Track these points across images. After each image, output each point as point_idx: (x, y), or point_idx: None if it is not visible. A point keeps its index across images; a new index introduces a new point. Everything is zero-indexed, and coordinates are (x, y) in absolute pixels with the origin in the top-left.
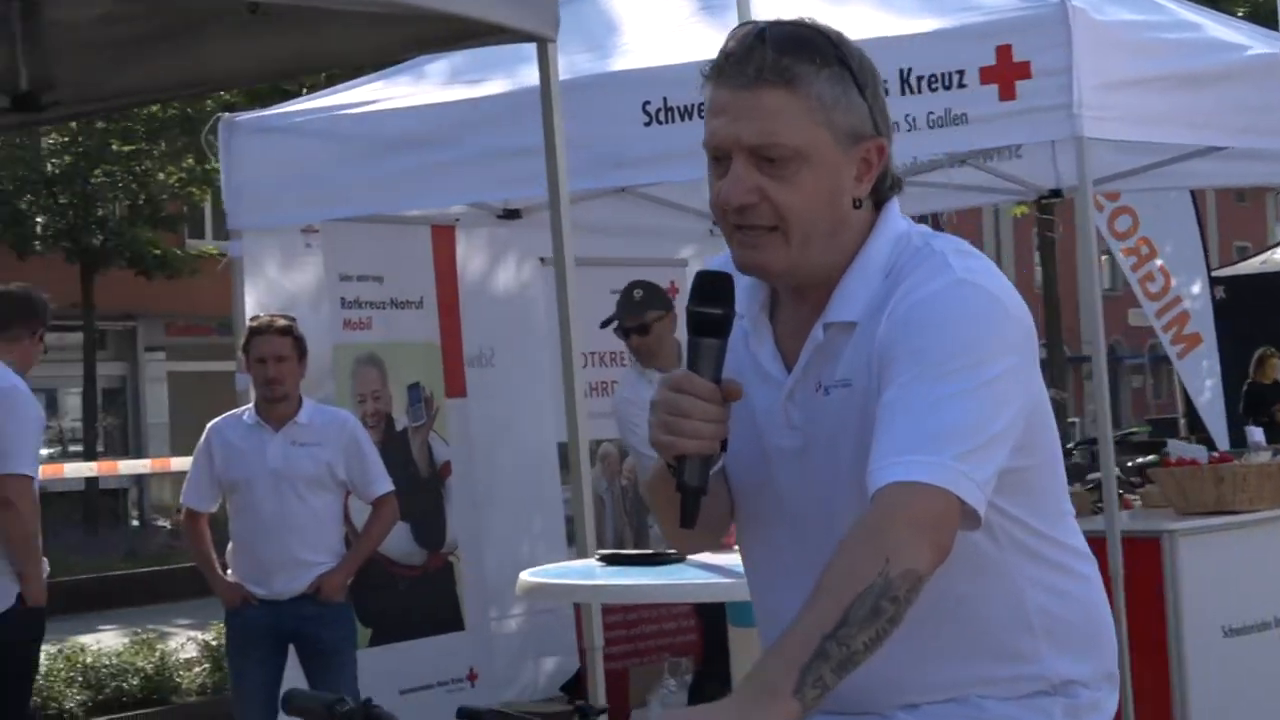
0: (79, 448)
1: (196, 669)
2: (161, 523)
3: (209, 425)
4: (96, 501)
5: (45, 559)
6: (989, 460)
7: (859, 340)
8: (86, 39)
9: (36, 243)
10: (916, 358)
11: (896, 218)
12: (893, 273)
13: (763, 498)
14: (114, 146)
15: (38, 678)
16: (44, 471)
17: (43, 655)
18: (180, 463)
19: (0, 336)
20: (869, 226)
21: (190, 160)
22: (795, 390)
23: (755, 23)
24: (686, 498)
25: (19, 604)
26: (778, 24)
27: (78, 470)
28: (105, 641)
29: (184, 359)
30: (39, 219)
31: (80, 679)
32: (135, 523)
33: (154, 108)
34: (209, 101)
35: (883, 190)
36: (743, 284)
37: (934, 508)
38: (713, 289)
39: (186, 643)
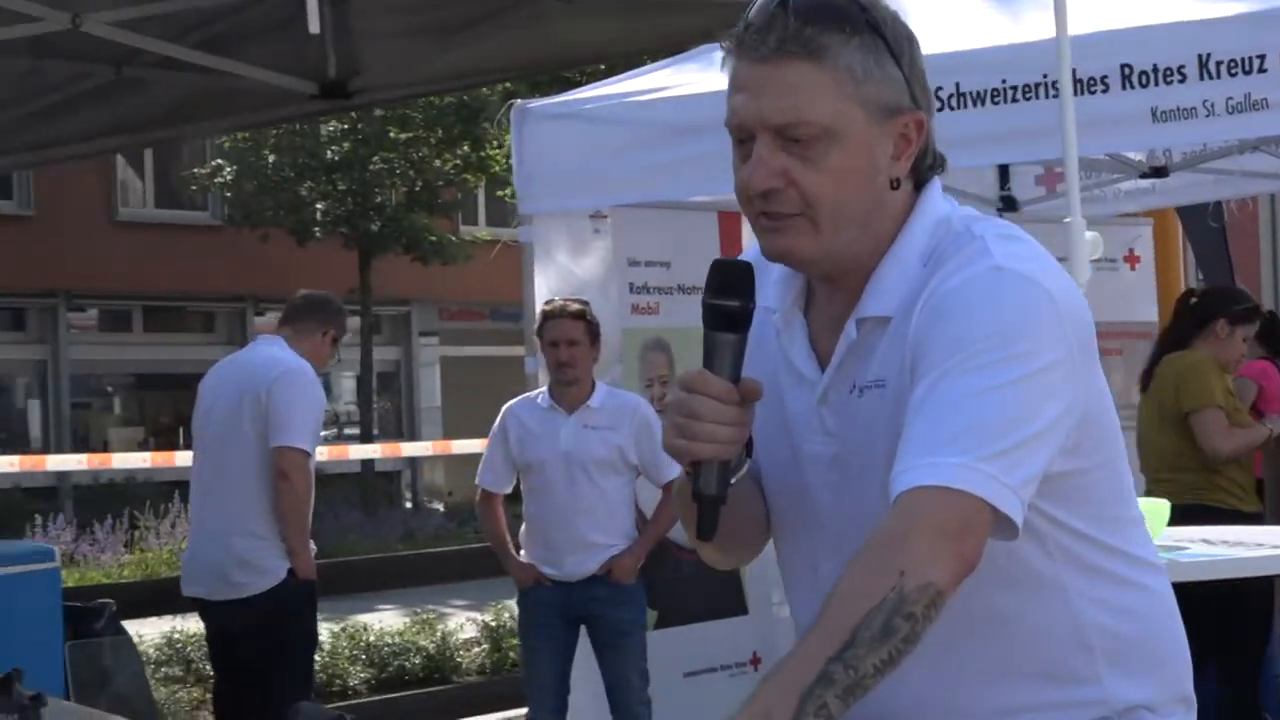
0: (355, 430)
1: (476, 649)
2: (435, 505)
3: (505, 407)
4: (373, 484)
5: (313, 539)
6: (1027, 462)
7: (894, 336)
8: (392, 28)
9: (316, 229)
10: (948, 351)
11: (938, 200)
12: (932, 260)
13: (797, 508)
14: (392, 134)
15: (322, 655)
16: (328, 453)
17: (326, 634)
18: (459, 445)
19: (294, 329)
20: (908, 210)
21: (465, 147)
22: (829, 392)
23: None
24: (703, 507)
25: (290, 578)
26: None
27: (361, 452)
28: (385, 621)
29: (457, 344)
30: (319, 205)
31: (363, 657)
32: (409, 505)
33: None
34: (483, 89)
35: (923, 169)
36: (774, 276)
37: (957, 515)
38: (730, 279)
39: (465, 623)
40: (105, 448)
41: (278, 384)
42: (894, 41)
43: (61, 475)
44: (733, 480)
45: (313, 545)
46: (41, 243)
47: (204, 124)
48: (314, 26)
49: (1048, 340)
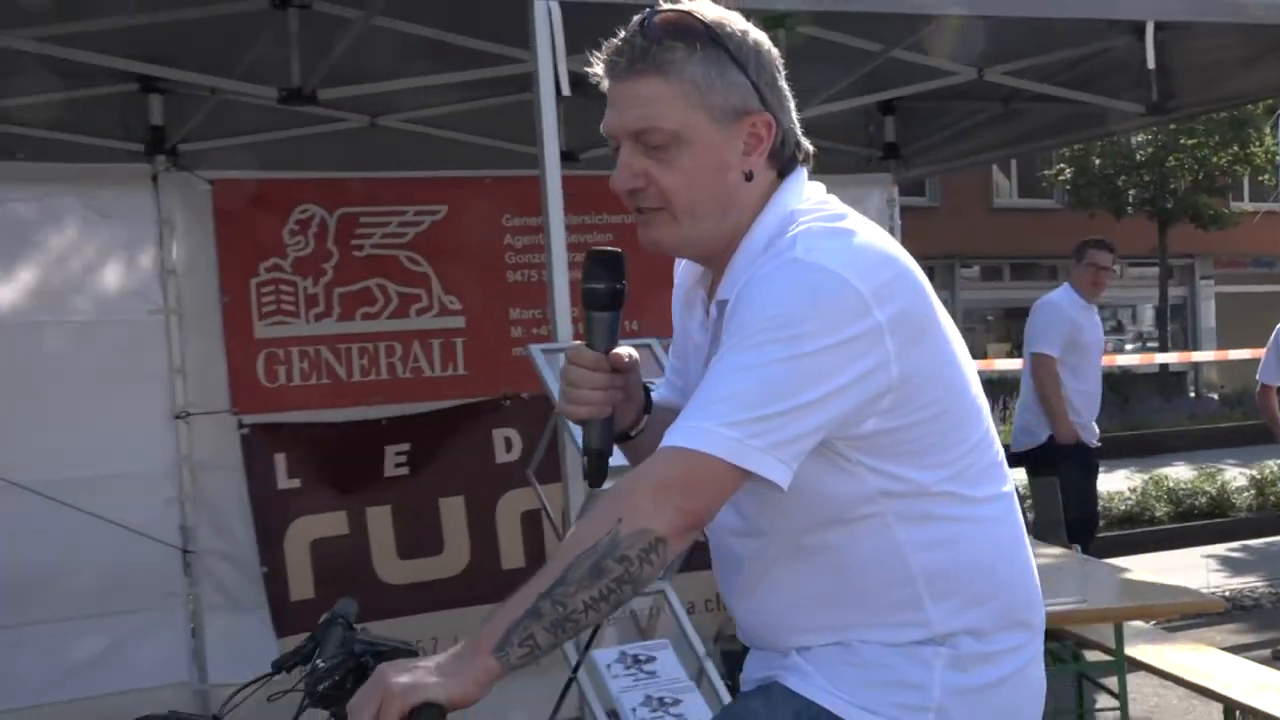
0: (1155, 344)
1: (1245, 494)
2: (1211, 395)
3: (1277, 327)
4: (1168, 380)
5: (1125, 419)
6: (787, 428)
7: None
8: (1202, 59)
9: (1129, 208)
10: (734, 332)
11: (794, 191)
12: (770, 250)
13: None
14: (1182, 141)
15: (1135, 495)
16: (1139, 359)
17: (1138, 480)
18: (1234, 354)
19: (1076, 267)
20: (766, 198)
21: (1235, 148)
22: (709, 359)
23: (645, 12)
24: (590, 459)
25: (1049, 440)
26: (657, 12)
27: (1161, 359)
28: (1179, 474)
29: (1226, 284)
30: (1130, 191)
31: (1165, 496)
32: (1192, 394)
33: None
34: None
35: (783, 160)
36: (685, 260)
37: (684, 471)
38: (602, 266)
39: (1237, 475)
40: (984, 356)
41: (1034, 310)
42: (737, 52)
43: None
44: (632, 434)
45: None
46: (942, 223)
47: (1060, 138)
48: (1150, 63)
49: (830, 324)
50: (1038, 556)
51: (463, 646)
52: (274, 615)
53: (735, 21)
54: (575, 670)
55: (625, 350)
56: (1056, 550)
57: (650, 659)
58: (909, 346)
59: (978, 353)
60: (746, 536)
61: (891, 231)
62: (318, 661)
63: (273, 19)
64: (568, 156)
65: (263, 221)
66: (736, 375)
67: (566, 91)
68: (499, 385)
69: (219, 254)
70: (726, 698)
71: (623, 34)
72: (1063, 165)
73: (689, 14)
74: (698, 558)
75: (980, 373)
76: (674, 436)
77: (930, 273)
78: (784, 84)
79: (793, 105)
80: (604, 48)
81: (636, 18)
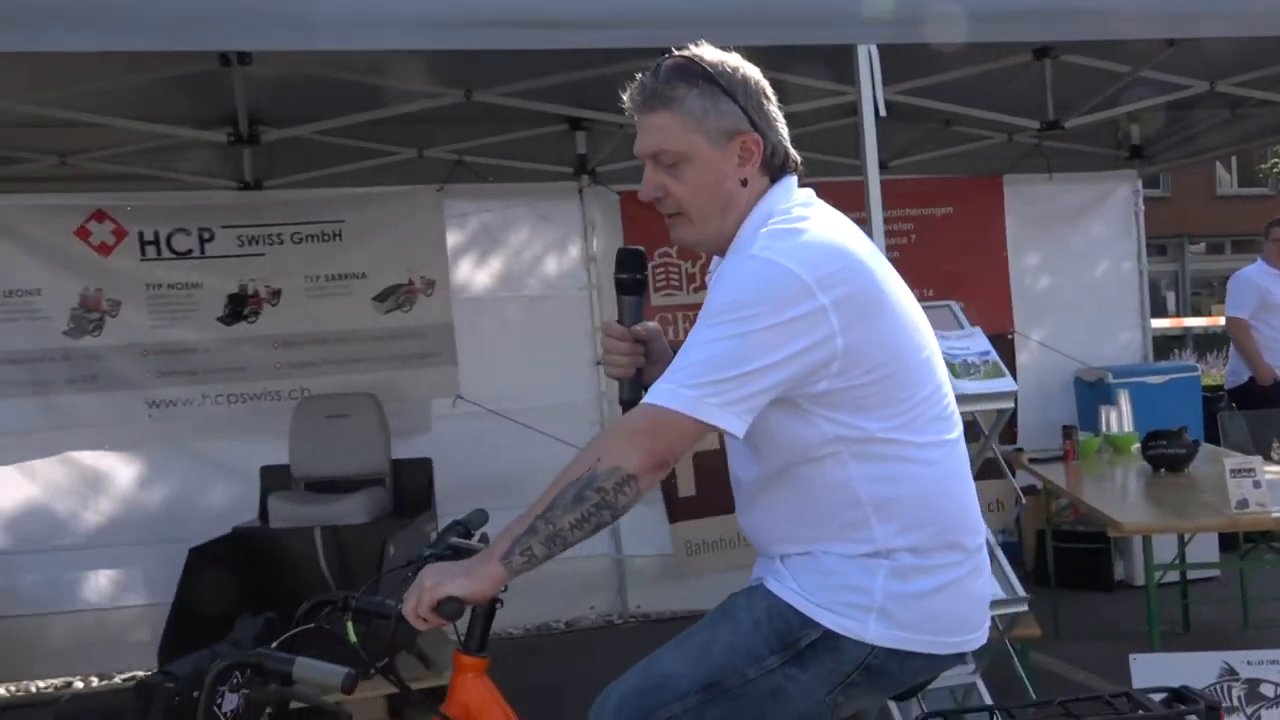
0: None
1: None
2: None
3: None
4: None
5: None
6: (741, 388)
7: None
8: None
9: None
10: (702, 315)
11: (779, 195)
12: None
13: None
14: None
15: None
16: None
17: None
18: None
19: (1265, 242)
20: (759, 201)
21: None
22: None
23: (663, 59)
24: (623, 408)
25: (1250, 381)
26: (668, 58)
27: None
28: None
29: None
30: None
31: None
32: None
33: None
34: None
35: (774, 168)
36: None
37: (650, 421)
38: (629, 261)
39: None
40: (1209, 315)
41: (1229, 282)
42: (729, 85)
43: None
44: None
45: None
46: (1173, 209)
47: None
48: None
49: (775, 306)
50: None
51: (483, 553)
52: (667, 506)
53: (730, 61)
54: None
55: (644, 326)
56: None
57: None
58: (855, 322)
59: (1202, 312)
60: (748, 467)
61: (1134, 216)
62: (424, 551)
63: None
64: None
65: (656, 221)
66: (699, 348)
67: (883, 113)
68: None
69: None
70: (1015, 581)
71: (640, 77)
72: (1276, 159)
73: (690, 59)
74: None
75: (1204, 328)
76: (649, 395)
77: (1163, 250)
78: (772, 108)
79: (782, 125)
80: (630, 88)
81: (654, 65)
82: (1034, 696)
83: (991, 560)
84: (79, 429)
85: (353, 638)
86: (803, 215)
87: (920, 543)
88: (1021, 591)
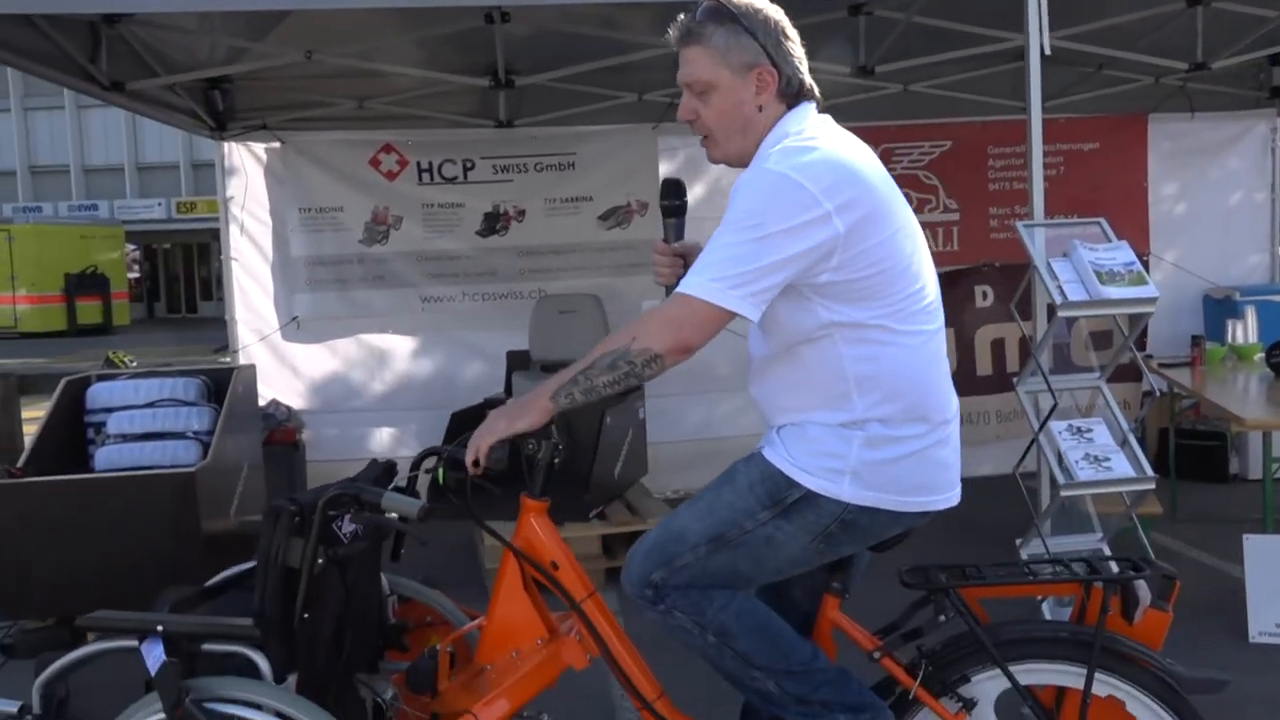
0: None
1: None
2: None
3: None
4: None
5: None
6: (753, 282)
7: None
8: None
9: None
10: (722, 223)
11: (793, 120)
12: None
13: None
14: None
15: None
16: None
17: None
18: None
19: None
20: (775, 125)
21: None
22: None
23: (696, 4)
24: None
25: None
26: (702, 2)
27: None
28: None
29: None
30: None
31: None
32: None
33: None
34: None
35: (790, 96)
36: None
37: (680, 309)
38: (671, 190)
39: None
40: None
41: None
42: (750, 25)
43: None
44: None
45: None
46: None
47: None
48: None
49: (785, 213)
50: None
51: (535, 392)
52: None
53: (755, 3)
54: (1036, 434)
55: (683, 243)
56: None
57: (1089, 430)
58: (855, 226)
59: None
60: (759, 347)
61: (1270, 152)
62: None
63: (848, 25)
64: None
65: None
66: (721, 249)
67: (1048, 52)
68: (980, 257)
69: None
70: (1145, 464)
71: (681, 17)
72: None
73: (721, 2)
74: None
75: None
76: (679, 287)
77: None
78: (790, 45)
79: (800, 59)
80: (671, 26)
81: (694, 6)
82: None
83: (1124, 445)
84: (369, 317)
85: (441, 481)
86: (813, 136)
87: (891, 414)
88: (1150, 471)
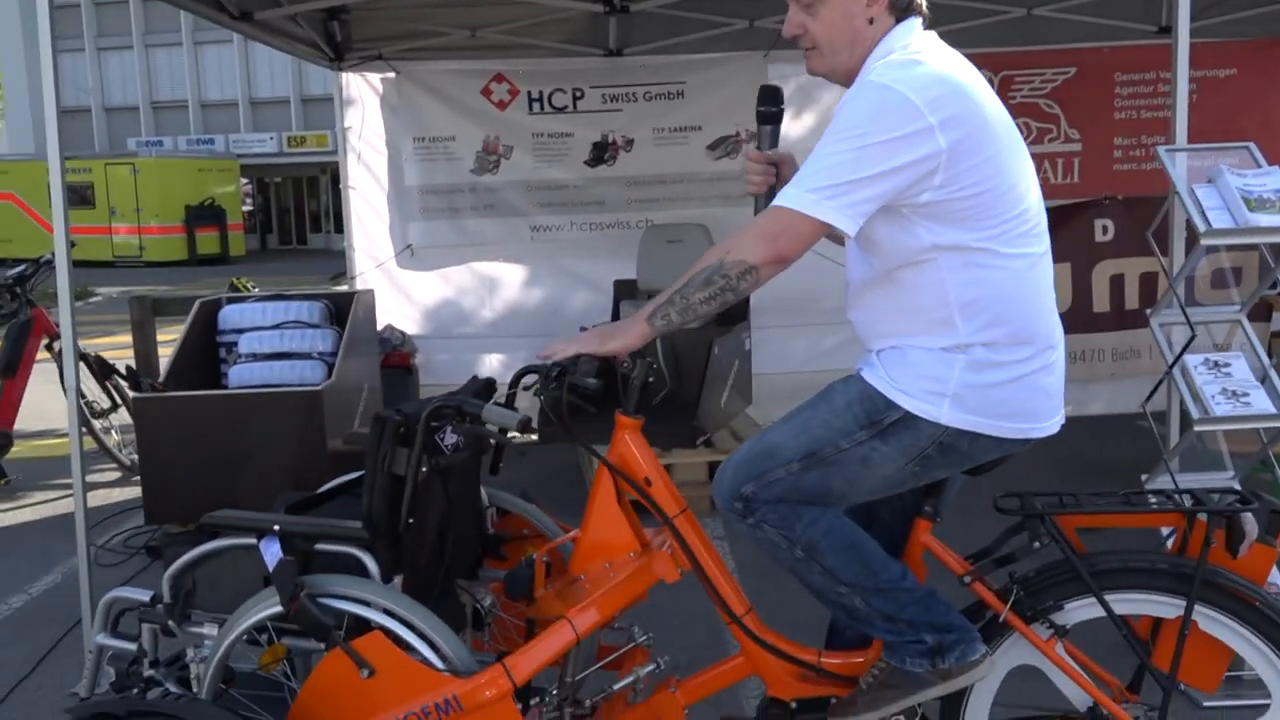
0: None
1: None
2: None
3: None
4: None
5: None
6: (850, 193)
7: None
8: None
9: None
10: (825, 134)
11: (900, 35)
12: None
13: None
14: None
15: None
16: None
17: None
18: None
19: None
20: (882, 39)
21: None
22: None
23: None
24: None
25: None
26: None
27: None
28: None
29: None
30: None
31: None
32: None
33: None
34: None
35: (899, 10)
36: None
37: (775, 220)
38: (768, 96)
39: None
40: None
41: None
42: None
43: None
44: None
45: None
46: None
47: None
48: None
49: (887, 126)
50: None
51: (633, 316)
52: None
53: None
54: (1170, 367)
55: (776, 151)
56: None
57: (1227, 364)
58: (959, 142)
59: None
60: (859, 270)
61: None
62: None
63: None
64: (1165, 31)
65: None
66: (820, 160)
67: None
68: (1101, 190)
69: None
70: None
71: None
72: None
73: None
74: None
75: None
76: (776, 199)
77: None
78: None
79: None
80: None
81: None
82: None
83: (1264, 380)
84: (479, 246)
85: (536, 396)
86: (919, 50)
87: (995, 339)
88: None
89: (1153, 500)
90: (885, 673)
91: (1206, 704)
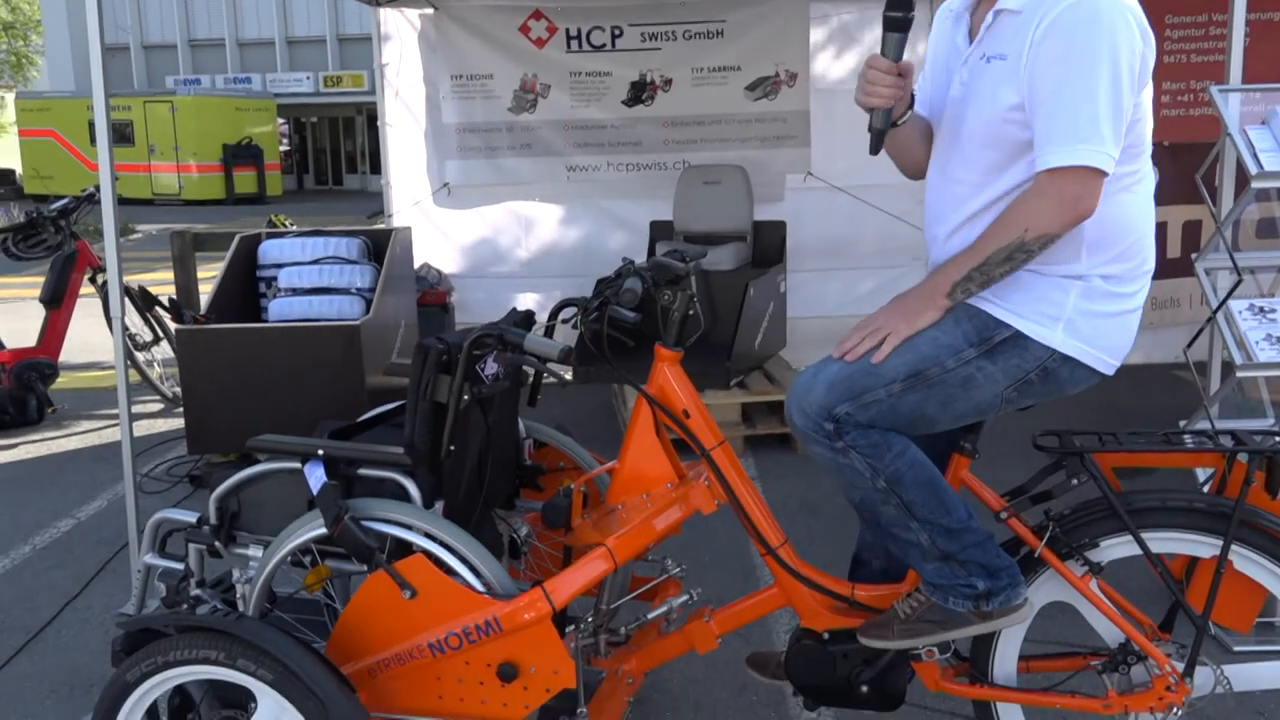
0: None
1: None
2: None
3: None
4: None
5: None
6: (1120, 127)
7: (1020, 25)
8: None
9: None
10: (1057, 62)
11: None
12: None
13: (940, 130)
14: None
15: None
16: None
17: None
18: None
19: None
20: None
21: None
22: (969, 58)
23: None
24: (873, 136)
25: None
26: None
27: None
28: None
29: None
30: None
31: None
32: None
33: None
34: None
35: None
36: None
37: (1074, 184)
38: (896, 1)
39: None
40: None
41: None
42: None
43: None
44: (898, 122)
45: None
46: None
47: None
48: None
49: (1130, 52)
50: None
51: (923, 291)
52: None
53: None
54: (1214, 312)
55: (907, 61)
56: None
57: (1273, 310)
58: (1146, 68)
59: None
60: (972, 192)
61: None
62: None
63: None
64: None
65: None
66: (1088, 102)
67: None
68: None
69: None
70: None
71: None
72: None
73: None
74: None
75: None
76: (1062, 156)
77: None
78: None
79: None
80: None
81: None
82: None
83: None
84: (516, 185)
85: (577, 329)
86: None
87: (1115, 272)
88: None
89: (1192, 440)
90: (925, 606)
91: (1237, 648)
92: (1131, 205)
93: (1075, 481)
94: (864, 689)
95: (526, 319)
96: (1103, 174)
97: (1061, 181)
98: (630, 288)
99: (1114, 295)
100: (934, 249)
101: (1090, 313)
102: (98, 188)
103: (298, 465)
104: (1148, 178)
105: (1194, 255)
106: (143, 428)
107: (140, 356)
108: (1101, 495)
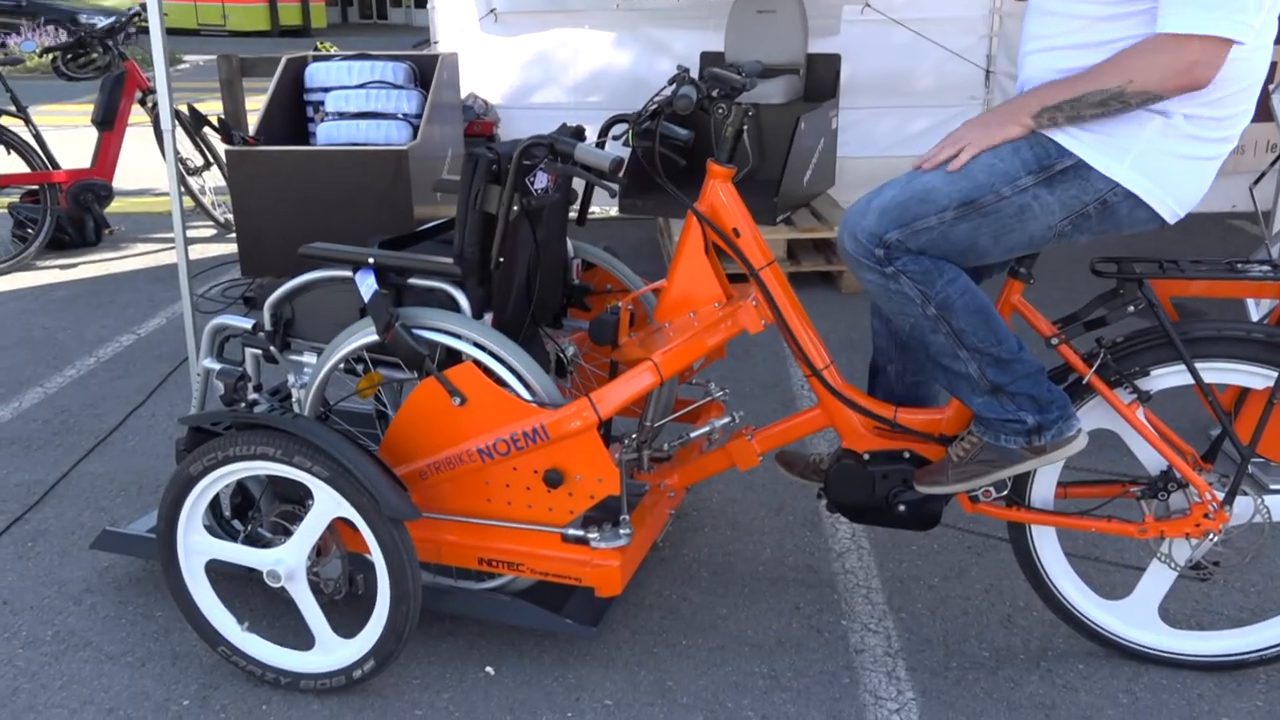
0: None
1: None
2: None
3: None
4: None
5: None
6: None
7: None
8: None
9: None
10: None
11: None
12: None
13: None
14: None
15: None
16: None
17: None
18: None
19: None
20: None
21: None
22: None
23: None
24: None
25: None
26: None
27: None
28: None
29: None
30: None
31: None
32: None
33: None
34: None
35: None
36: None
37: (1195, 51)
38: None
39: None
40: None
41: None
42: None
43: None
44: None
45: None
46: None
47: None
48: None
49: None
50: None
51: (1012, 107)
52: None
53: None
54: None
55: None
56: None
57: None
58: None
59: None
60: (1063, 22)
61: None
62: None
63: None
64: None
65: None
66: None
67: None
68: None
69: None
70: None
71: None
72: None
73: None
74: None
75: None
76: (1192, 21)
77: None
78: None
79: None
80: None
81: None
82: None
83: None
84: (564, 13)
85: (628, 146)
86: None
87: (1206, 115)
88: None
89: (1255, 270)
90: (977, 448)
91: (1273, 487)
92: (1245, 54)
93: (1131, 309)
94: (901, 509)
95: (577, 133)
96: (1232, 44)
97: (1183, 45)
98: (685, 94)
99: (1195, 139)
100: (1020, 71)
101: (1164, 151)
102: (144, 5)
103: (349, 274)
104: (1271, 24)
105: (1272, 86)
106: (196, 251)
107: (193, 183)
108: (1156, 324)
